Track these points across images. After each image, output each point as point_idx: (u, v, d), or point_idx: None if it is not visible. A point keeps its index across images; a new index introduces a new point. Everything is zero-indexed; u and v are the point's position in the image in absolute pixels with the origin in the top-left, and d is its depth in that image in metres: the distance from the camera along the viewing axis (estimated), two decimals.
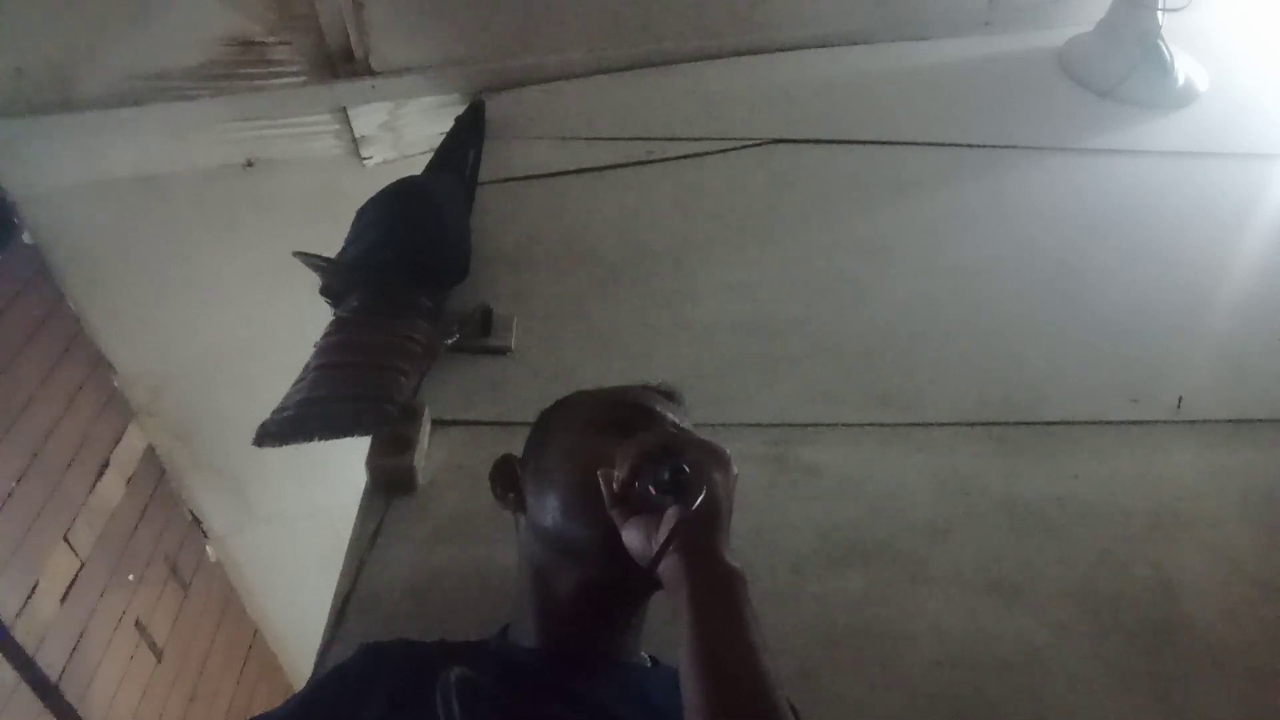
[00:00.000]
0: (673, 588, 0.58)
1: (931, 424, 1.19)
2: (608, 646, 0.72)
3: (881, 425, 1.18)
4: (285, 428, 1.03)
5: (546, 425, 0.79)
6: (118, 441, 2.34)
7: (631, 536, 0.62)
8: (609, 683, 0.69)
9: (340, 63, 1.80)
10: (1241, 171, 1.71)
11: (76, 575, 2.15)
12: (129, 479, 2.38)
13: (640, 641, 0.76)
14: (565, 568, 0.71)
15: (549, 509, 0.71)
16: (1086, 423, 1.21)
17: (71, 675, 2.09)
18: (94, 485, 2.24)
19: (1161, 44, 1.83)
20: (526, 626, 0.74)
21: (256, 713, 0.67)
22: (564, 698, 0.66)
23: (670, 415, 0.77)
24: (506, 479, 0.79)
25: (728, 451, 0.65)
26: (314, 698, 0.68)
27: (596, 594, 0.69)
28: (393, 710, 0.64)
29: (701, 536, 0.59)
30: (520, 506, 0.77)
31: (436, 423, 1.12)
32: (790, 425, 1.17)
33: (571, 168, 1.61)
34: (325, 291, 1.24)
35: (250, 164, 1.92)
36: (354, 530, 1.02)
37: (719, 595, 0.57)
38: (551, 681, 0.68)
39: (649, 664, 0.75)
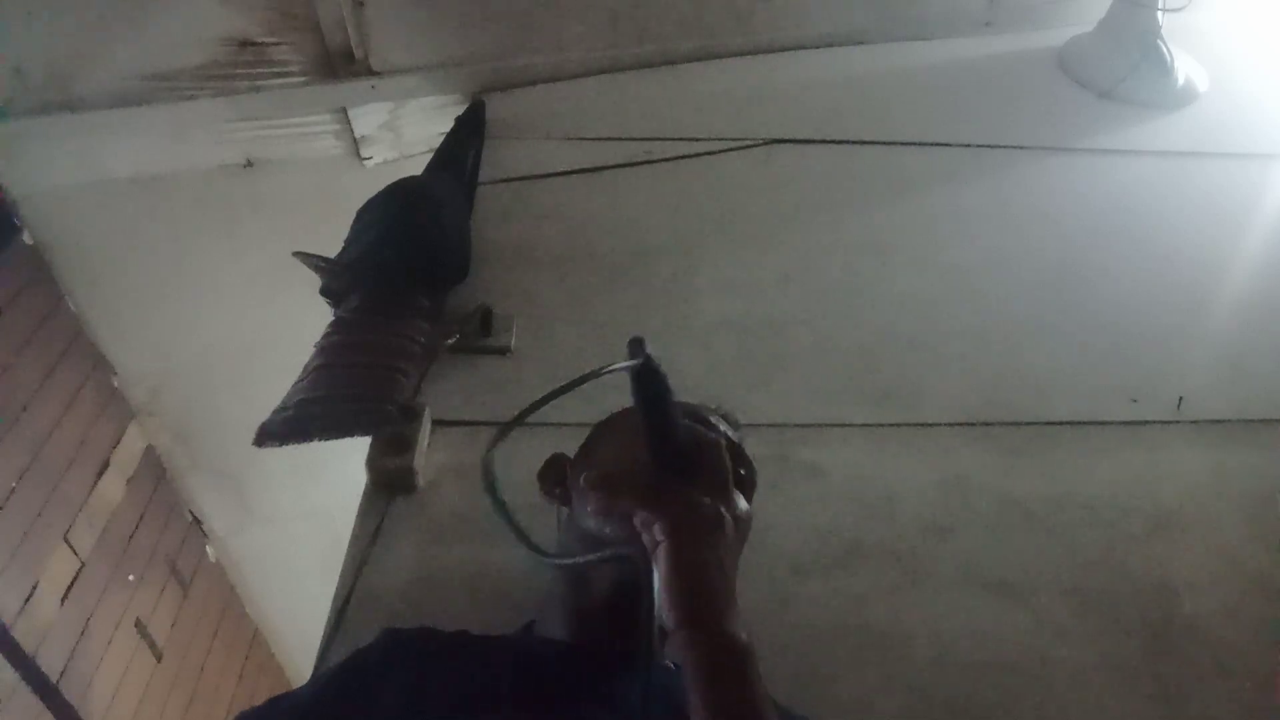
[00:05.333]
0: (682, 662, 0.56)
1: (931, 424, 1.19)
2: (636, 647, 0.72)
3: (881, 425, 1.18)
4: (285, 428, 1.03)
5: (599, 430, 0.80)
6: (118, 441, 2.34)
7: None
8: (634, 681, 0.69)
9: (340, 63, 1.80)
10: (1241, 171, 1.71)
11: (76, 575, 2.15)
12: (129, 479, 2.38)
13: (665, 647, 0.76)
14: (601, 566, 0.71)
15: (582, 512, 0.71)
16: (1086, 423, 1.21)
17: (71, 675, 2.09)
18: (94, 485, 2.25)
19: (1161, 44, 1.83)
20: (555, 623, 0.73)
21: None
22: (589, 693, 0.66)
23: (722, 426, 0.79)
24: (555, 475, 0.80)
25: (716, 510, 0.62)
26: (334, 681, 0.68)
27: (629, 595, 0.69)
28: (411, 697, 0.64)
29: (695, 617, 0.57)
30: (565, 502, 0.77)
31: (436, 423, 1.12)
32: (790, 425, 1.17)
33: (571, 168, 1.61)
34: (325, 291, 1.24)
35: (250, 164, 1.93)
36: (354, 530, 1.02)
37: (723, 677, 0.55)
38: (576, 677, 0.68)
39: (674, 668, 0.75)
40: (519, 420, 0.64)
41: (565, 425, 0.83)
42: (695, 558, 0.59)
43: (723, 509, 0.62)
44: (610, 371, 0.62)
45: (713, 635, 0.56)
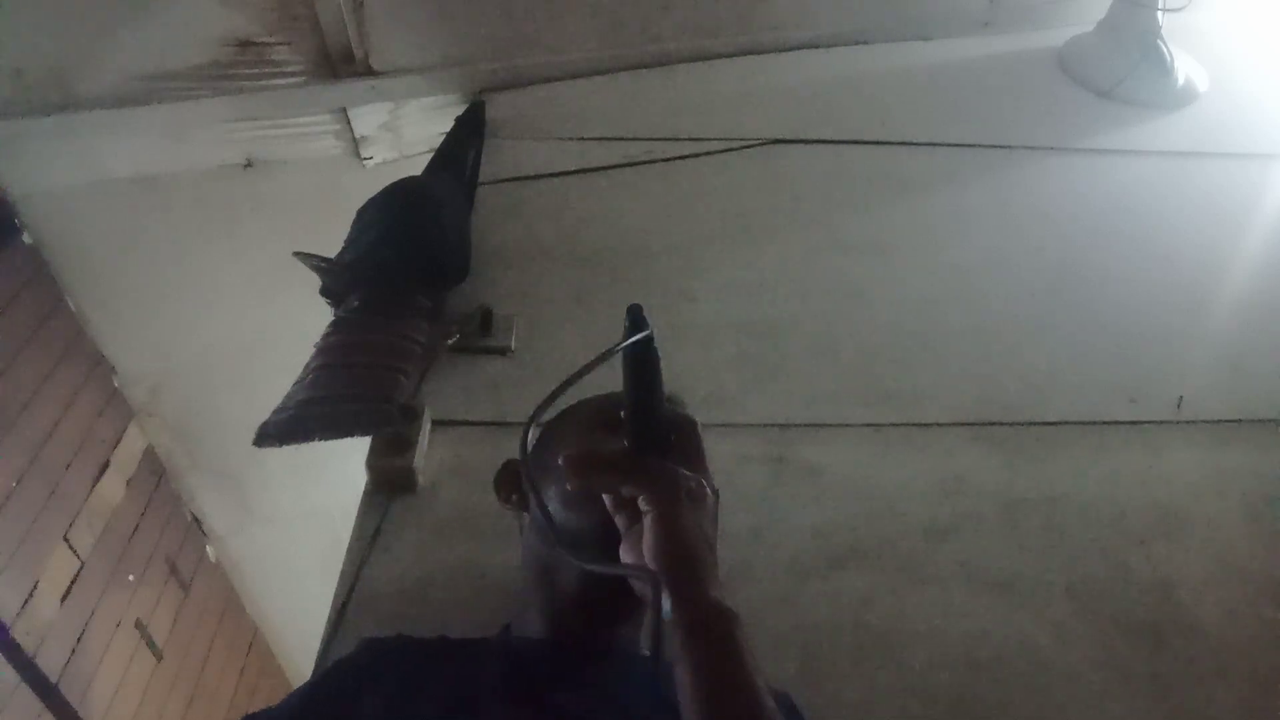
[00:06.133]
0: (670, 631, 0.57)
1: (931, 424, 1.19)
2: (612, 638, 0.72)
3: (881, 425, 1.18)
4: (285, 428, 1.03)
5: (549, 427, 0.80)
6: (118, 441, 2.34)
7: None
8: (614, 671, 0.69)
9: (340, 63, 1.80)
10: (1241, 171, 1.71)
11: (76, 575, 2.15)
12: (129, 479, 2.38)
13: (642, 635, 0.76)
14: (567, 561, 0.71)
15: (548, 502, 0.71)
16: (1086, 423, 1.21)
17: (71, 675, 2.09)
18: (94, 485, 2.24)
19: (1161, 44, 1.83)
20: (531, 623, 0.74)
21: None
22: (569, 685, 0.66)
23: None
24: (510, 482, 0.80)
25: (698, 481, 0.62)
26: (314, 693, 0.68)
27: (598, 586, 0.70)
28: (392, 705, 0.64)
29: (684, 584, 0.57)
30: (523, 506, 0.77)
31: (436, 423, 1.12)
32: (790, 425, 1.17)
33: (571, 168, 1.61)
34: (325, 292, 1.24)
35: (250, 164, 1.92)
36: (354, 530, 1.02)
37: (711, 640, 0.55)
38: (558, 669, 0.68)
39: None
40: (536, 415, 0.63)
41: None
42: (681, 527, 0.59)
43: (704, 481, 0.63)
44: (625, 346, 0.60)
45: (700, 602, 0.56)
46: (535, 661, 0.69)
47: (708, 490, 0.63)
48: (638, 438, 0.64)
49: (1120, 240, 1.52)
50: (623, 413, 0.65)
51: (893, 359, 1.28)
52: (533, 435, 0.79)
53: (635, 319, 0.60)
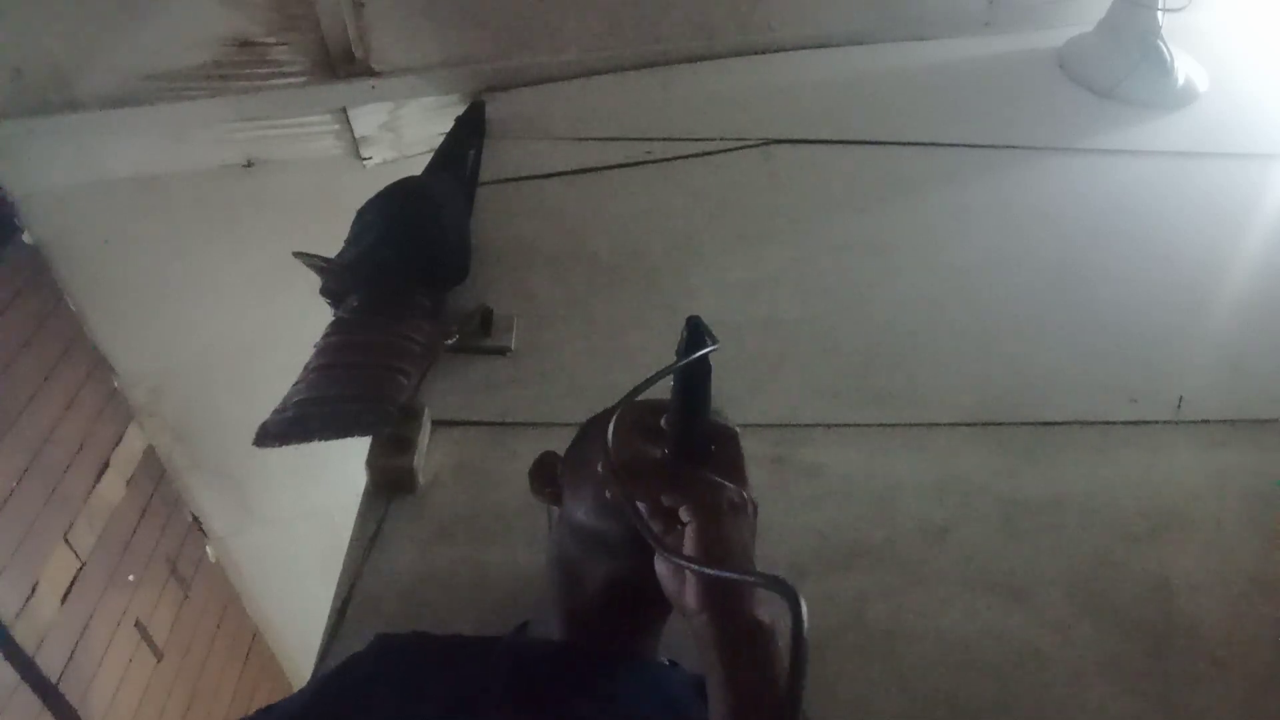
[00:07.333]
0: (702, 643, 0.56)
1: (931, 424, 1.19)
2: (629, 645, 0.72)
3: (881, 425, 1.18)
4: (285, 428, 1.03)
5: (591, 427, 0.79)
6: (118, 442, 2.34)
7: (664, 577, 0.61)
8: (628, 678, 0.69)
9: (340, 63, 1.80)
10: (1241, 171, 1.71)
11: (76, 575, 2.15)
12: (129, 479, 2.38)
13: (659, 644, 0.76)
14: (595, 562, 0.70)
15: (582, 501, 0.70)
16: (1086, 423, 1.21)
17: (71, 675, 2.09)
18: (94, 485, 2.25)
19: (1161, 44, 1.83)
20: (550, 623, 0.73)
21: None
22: (581, 690, 0.66)
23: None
24: (546, 474, 0.79)
25: (739, 492, 0.62)
26: (326, 688, 0.68)
27: (623, 589, 0.69)
28: (404, 702, 0.64)
29: (725, 596, 0.56)
30: (556, 500, 0.77)
31: (436, 423, 1.12)
32: (790, 425, 1.17)
33: (571, 168, 1.61)
34: (325, 292, 1.24)
35: (250, 164, 1.93)
36: (354, 530, 1.02)
37: (747, 652, 0.55)
38: (571, 676, 0.68)
39: (668, 665, 0.75)
40: (605, 418, 0.62)
41: (559, 425, 0.82)
42: (723, 538, 0.58)
43: (745, 493, 0.62)
44: (694, 359, 0.60)
45: (740, 616, 0.55)
46: (541, 664, 0.69)
47: (749, 500, 0.62)
48: (680, 447, 0.64)
49: (1120, 240, 1.52)
50: (664, 420, 0.64)
51: (893, 359, 1.28)
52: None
53: (695, 330, 0.60)
